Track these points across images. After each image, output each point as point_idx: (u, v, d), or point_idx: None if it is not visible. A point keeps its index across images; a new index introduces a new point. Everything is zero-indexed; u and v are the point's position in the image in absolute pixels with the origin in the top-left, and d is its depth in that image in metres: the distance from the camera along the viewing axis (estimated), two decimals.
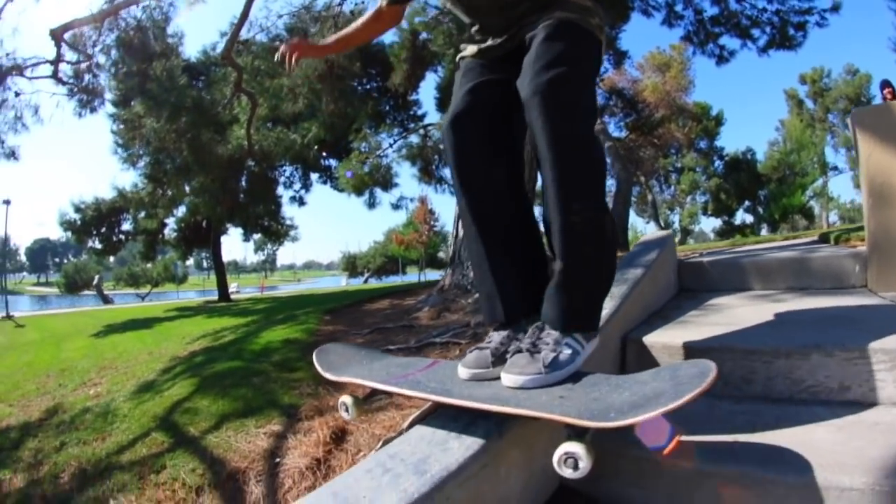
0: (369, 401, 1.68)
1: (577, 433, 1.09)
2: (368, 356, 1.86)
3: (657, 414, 1.01)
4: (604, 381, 1.28)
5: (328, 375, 1.65)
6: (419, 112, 15.63)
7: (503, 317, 1.60)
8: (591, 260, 1.45)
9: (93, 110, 10.81)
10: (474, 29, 1.79)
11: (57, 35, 8.65)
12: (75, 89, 10.13)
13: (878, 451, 1.22)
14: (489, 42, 1.75)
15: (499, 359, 1.45)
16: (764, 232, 25.25)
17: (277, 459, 3.57)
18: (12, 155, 10.22)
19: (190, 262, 42.51)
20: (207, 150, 10.58)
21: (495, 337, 1.55)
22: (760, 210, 23.59)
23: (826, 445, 1.29)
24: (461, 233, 6.09)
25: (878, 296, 2.53)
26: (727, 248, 8.67)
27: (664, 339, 1.97)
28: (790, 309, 2.35)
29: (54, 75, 9.58)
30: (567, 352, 1.38)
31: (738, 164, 26.24)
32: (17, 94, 9.61)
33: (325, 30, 10.60)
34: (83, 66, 9.91)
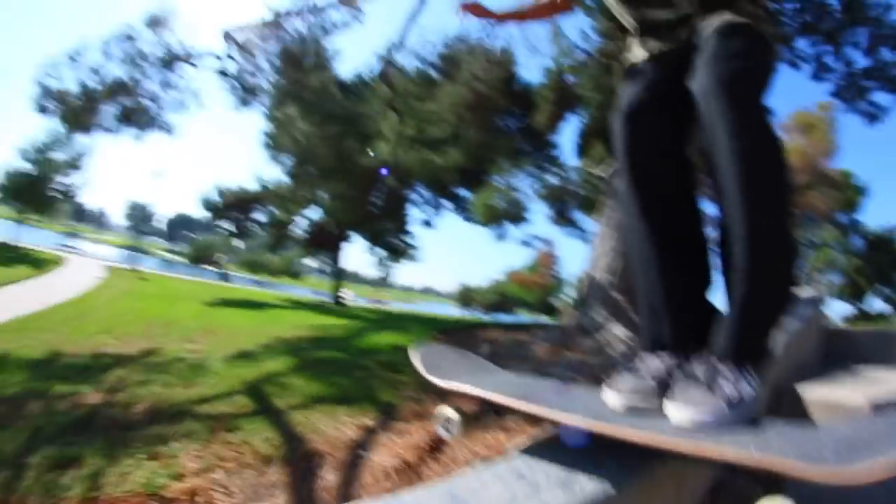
0: (476, 418, 1.50)
1: (774, 485, 0.94)
2: (481, 366, 1.68)
3: None
4: (791, 424, 1.04)
5: (432, 378, 1.43)
6: (557, 154, 15.94)
7: (671, 338, 1.40)
8: (779, 282, 1.28)
9: (249, 106, 11.77)
10: (641, 32, 1.72)
11: (229, 36, 9.72)
12: (237, 84, 11.10)
13: None
14: (657, 44, 1.68)
15: (660, 388, 1.25)
16: None
17: (362, 453, 3.47)
18: (169, 130, 11.46)
19: (311, 262, 44.37)
20: (351, 158, 11.35)
21: (654, 362, 1.35)
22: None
23: None
24: (595, 274, 6.13)
25: None
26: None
27: (821, 394, 1.98)
28: None
29: (221, 70, 10.64)
30: (748, 389, 1.15)
31: (882, 244, 23.89)
32: (182, 80, 10.85)
33: (475, 60, 11.17)
34: (247, 65, 10.86)
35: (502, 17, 2.12)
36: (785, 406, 2.03)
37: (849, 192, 24.48)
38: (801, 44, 10.52)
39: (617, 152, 1.57)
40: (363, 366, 5.34)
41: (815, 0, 9.99)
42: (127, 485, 2.91)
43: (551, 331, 7.31)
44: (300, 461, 3.42)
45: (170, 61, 10.27)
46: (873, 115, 10.75)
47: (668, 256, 1.47)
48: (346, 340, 7.03)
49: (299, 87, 10.52)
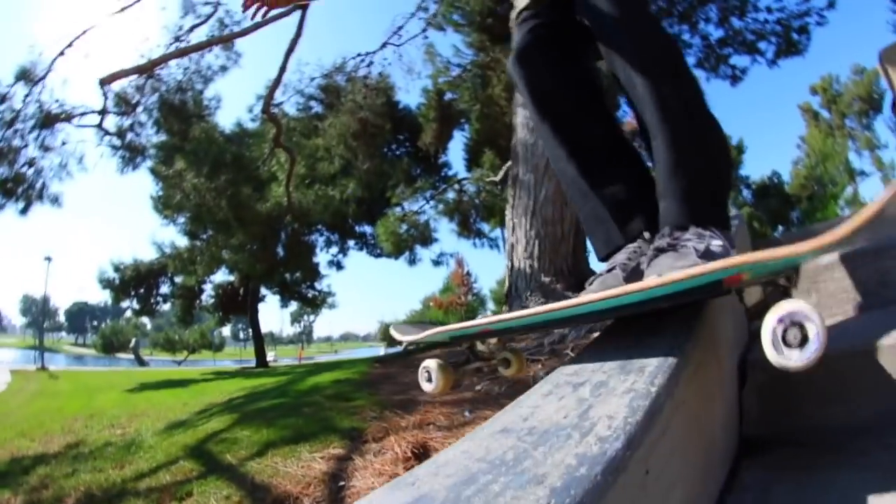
0: (462, 370, 1.49)
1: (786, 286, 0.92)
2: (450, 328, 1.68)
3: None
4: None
5: (406, 338, 1.50)
6: (449, 173, 16.43)
7: (622, 239, 1.39)
8: (705, 133, 1.29)
9: (135, 167, 11.24)
10: None
11: (104, 83, 9.06)
12: (119, 147, 10.54)
13: None
14: None
15: (631, 274, 1.24)
16: None
17: (342, 483, 3.22)
18: (56, 201, 10.61)
19: (227, 331, 42.80)
20: (247, 206, 10.96)
21: (619, 256, 1.34)
22: (795, 231, 23.39)
23: None
24: (516, 263, 6.10)
25: None
26: None
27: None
28: None
29: (100, 125, 10.00)
30: (717, 242, 1.13)
31: (766, 190, 26.02)
32: (63, 143, 10.06)
33: (356, 89, 11.12)
34: (126, 123, 10.34)
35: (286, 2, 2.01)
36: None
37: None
38: None
39: (520, 92, 1.61)
40: (311, 403, 5.10)
41: None
42: None
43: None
44: None
45: (47, 121, 9.50)
46: (735, 77, 11.99)
47: (594, 167, 1.47)
48: (282, 388, 6.80)
49: (182, 138, 10.08)
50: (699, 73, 16.16)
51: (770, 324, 0.83)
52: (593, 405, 0.84)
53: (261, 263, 12.91)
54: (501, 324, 1.22)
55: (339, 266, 19.64)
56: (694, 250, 1.09)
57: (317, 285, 20.76)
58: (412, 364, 6.54)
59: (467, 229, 14.83)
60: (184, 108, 10.15)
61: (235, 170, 10.47)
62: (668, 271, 1.02)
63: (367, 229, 18.62)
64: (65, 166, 10.21)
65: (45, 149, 9.90)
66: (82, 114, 9.75)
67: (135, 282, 19.41)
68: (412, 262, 15.80)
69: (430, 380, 1.39)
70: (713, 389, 1.16)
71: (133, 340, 40.93)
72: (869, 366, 1.23)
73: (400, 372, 6.14)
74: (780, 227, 25.02)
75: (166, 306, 22.60)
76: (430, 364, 1.40)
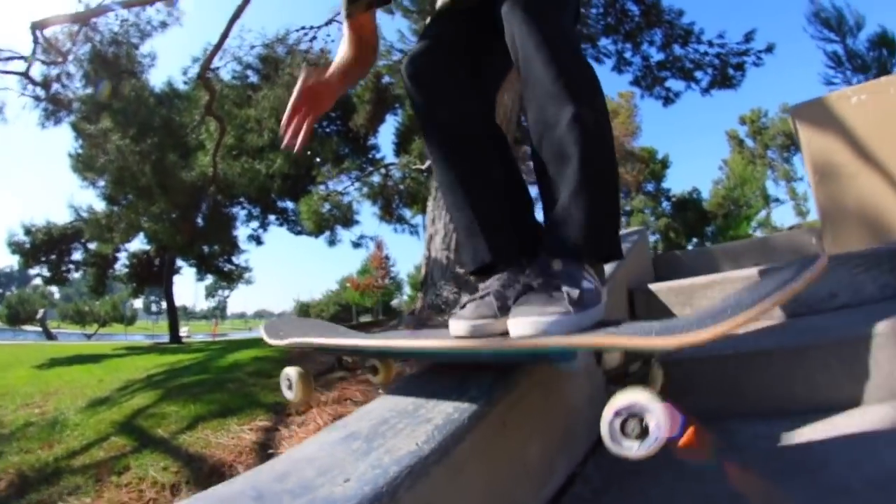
0: (325, 378, 1.55)
1: (639, 376, 0.93)
2: (326, 328, 1.75)
3: (766, 304, 0.77)
4: (646, 323, 1.00)
5: (272, 341, 1.51)
6: (378, 156, 16.47)
7: (489, 256, 1.35)
8: (607, 166, 1.25)
9: (58, 122, 10.60)
10: None
11: (37, 27, 8.43)
12: (42, 98, 9.87)
13: None
14: None
15: (504, 307, 1.17)
16: None
17: (271, 451, 3.41)
18: None
19: (139, 304, 40.84)
20: (171, 173, 10.60)
21: (493, 283, 1.28)
22: (709, 245, 24.80)
23: None
24: (433, 254, 6.23)
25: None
26: None
27: (670, 285, 2.25)
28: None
29: (26, 73, 9.31)
30: (590, 286, 1.11)
31: (685, 204, 27.42)
32: None
33: (294, 63, 10.96)
34: (54, 73, 9.68)
35: (341, 87, 1.81)
36: (639, 302, 2.30)
37: (654, 166, 27.86)
38: (604, 42, 12.13)
39: (409, 98, 1.54)
40: (233, 379, 5.13)
41: (616, 7, 11.38)
42: None
43: (404, 318, 7.30)
44: (209, 476, 3.27)
45: None
46: (668, 99, 12.58)
47: (476, 176, 1.42)
48: (203, 365, 6.70)
49: (112, 95, 9.57)
50: (634, 91, 17.04)
51: (607, 416, 0.82)
52: (471, 376, 1.22)
53: (181, 234, 12.48)
54: (369, 349, 1.32)
55: (258, 241, 19.35)
56: (567, 296, 1.05)
57: (234, 259, 20.32)
58: None
59: (389, 214, 14.95)
60: (116, 63, 9.63)
61: (164, 134, 10.09)
62: (536, 316, 1.01)
63: (290, 205, 18.37)
64: None
65: None
66: (8, 58, 8.97)
67: (46, 246, 18.34)
68: (332, 242, 15.55)
69: (290, 388, 1.41)
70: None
71: (41, 311, 38.43)
72: (712, 368, 1.59)
73: (317, 351, 6.16)
74: (695, 240, 26.50)
75: (77, 275, 21.53)
76: (291, 373, 1.41)
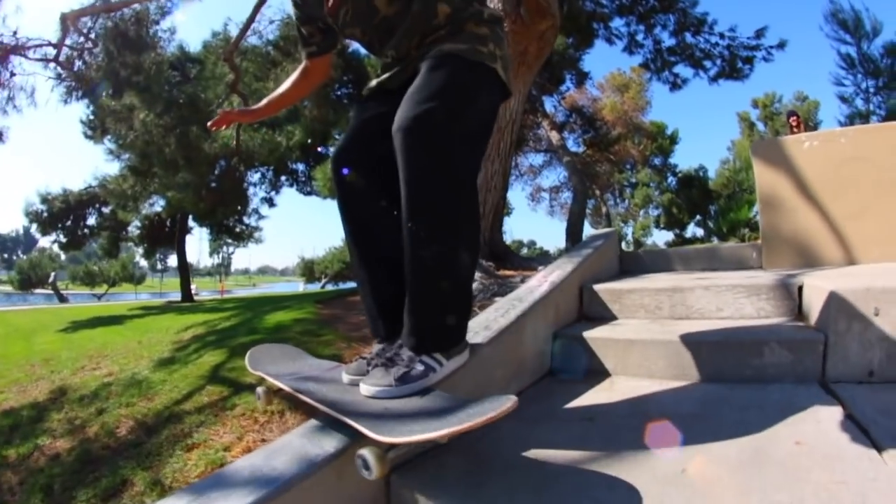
0: (278, 395, 1.91)
1: (374, 441, 1.18)
2: (296, 356, 2.12)
3: (426, 437, 1.11)
4: (439, 399, 1.37)
5: (250, 369, 1.93)
6: None
7: (383, 332, 1.73)
8: (437, 292, 1.51)
9: (80, 98, 10.90)
10: (381, 69, 1.85)
11: (67, 19, 8.77)
12: (64, 75, 10.08)
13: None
14: (385, 75, 1.79)
15: (367, 371, 1.57)
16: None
17: None
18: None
19: (144, 262, 40.68)
20: (195, 146, 10.95)
21: (374, 349, 1.70)
22: (710, 224, 24.92)
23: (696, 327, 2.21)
24: None
25: (766, 271, 3.45)
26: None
27: (607, 287, 2.87)
28: (698, 276, 3.23)
29: (56, 59, 9.54)
30: (419, 368, 1.47)
31: (690, 181, 27.27)
32: (12, 75, 9.54)
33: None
34: (75, 52, 9.85)
35: (262, 113, 2.18)
36: (586, 297, 2.91)
37: (662, 141, 27.83)
38: (618, 23, 12.21)
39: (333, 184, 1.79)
40: (287, 338, 5.10)
41: None
42: (192, 475, 2.83)
43: None
44: (303, 404, 3.21)
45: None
46: (675, 84, 12.89)
47: (378, 275, 1.75)
48: (246, 325, 6.70)
49: (134, 70, 9.68)
50: (644, 73, 17.02)
51: (356, 456, 1.20)
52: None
53: (205, 202, 12.93)
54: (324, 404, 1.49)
55: (271, 203, 19.53)
56: (393, 374, 1.45)
57: (245, 219, 20.32)
58: (352, 307, 6.86)
59: None
60: (139, 40, 9.78)
61: (189, 109, 10.44)
62: (370, 383, 1.46)
63: (300, 166, 18.61)
64: (12, 99, 9.75)
65: None
66: (37, 46, 9.26)
67: (63, 213, 18.59)
68: None
69: (259, 399, 1.84)
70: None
71: (52, 275, 38.78)
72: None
73: (345, 314, 6.37)
74: (698, 216, 26.61)
75: (93, 241, 21.87)
76: (260, 390, 1.85)
